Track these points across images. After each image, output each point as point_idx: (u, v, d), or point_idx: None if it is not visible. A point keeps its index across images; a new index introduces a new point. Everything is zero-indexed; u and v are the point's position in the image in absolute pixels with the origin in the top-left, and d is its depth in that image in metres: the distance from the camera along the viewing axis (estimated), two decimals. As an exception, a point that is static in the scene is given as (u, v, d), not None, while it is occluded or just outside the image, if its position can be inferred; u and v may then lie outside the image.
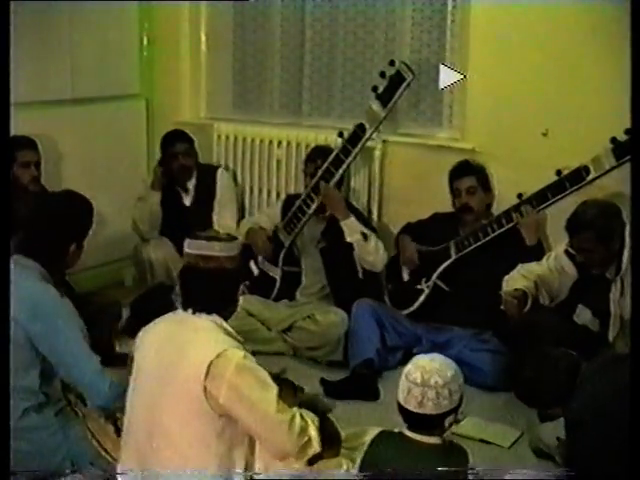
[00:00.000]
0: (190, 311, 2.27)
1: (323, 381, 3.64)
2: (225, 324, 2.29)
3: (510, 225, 3.65)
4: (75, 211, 2.82)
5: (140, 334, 2.36)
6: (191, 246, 2.29)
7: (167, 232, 4.54)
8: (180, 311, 2.30)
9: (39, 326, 2.58)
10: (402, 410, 2.27)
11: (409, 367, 2.28)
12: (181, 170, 4.51)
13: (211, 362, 2.12)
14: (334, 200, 3.98)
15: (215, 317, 2.27)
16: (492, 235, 3.69)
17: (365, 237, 3.92)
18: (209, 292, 2.27)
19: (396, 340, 3.89)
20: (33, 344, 2.59)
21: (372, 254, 3.96)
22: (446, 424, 2.25)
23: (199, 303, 2.27)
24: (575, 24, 3.77)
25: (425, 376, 2.21)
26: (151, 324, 2.36)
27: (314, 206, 4.02)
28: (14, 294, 2.37)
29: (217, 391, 2.12)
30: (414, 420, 2.25)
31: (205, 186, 4.57)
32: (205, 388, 2.12)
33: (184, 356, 2.17)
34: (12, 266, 2.48)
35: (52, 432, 2.66)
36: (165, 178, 4.51)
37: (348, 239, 3.95)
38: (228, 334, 2.25)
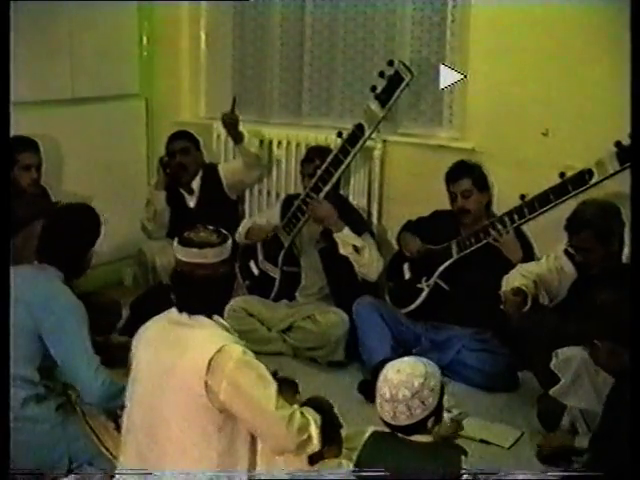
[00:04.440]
0: (185, 314, 2.25)
1: (363, 383, 3.59)
2: (222, 320, 2.29)
3: (513, 226, 3.64)
4: (89, 221, 2.97)
5: (138, 334, 2.36)
6: (182, 253, 2.24)
7: (172, 235, 4.51)
8: (175, 310, 2.29)
9: (51, 319, 2.66)
10: (381, 418, 2.24)
11: (379, 381, 2.23)
12: (179, 168, 4.46)
13: (212, 357, 2.12)
14: (325, 213, 3.96)
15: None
16: (493, 236, 3.69)
17: (357, 250, 3.92)
18: (204, 297, 2.25)
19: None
20: (40, 336, 2.66)
21: (365, 266, 3.95)
22: (429, 425, 2.21)
23: (194, 307, 2.25)
24: (575, 24, 3.77)
25: (393, 391, 2.17)
26: (149, 322, 2.36)
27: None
28: (32, 288, 2.65)
29: (217, 387, 2.13)
30: (393, 428, 2.23)
31: (210, 186, 4.53)
32: (206, 383, 2.12)
33: (184, 352, 2.17)
34: (33, 268, 2.77)
35: (52, 426, 2.69)
36: (167, 177, 4.49)
37: (341, 251, 3.95)
38: (226, 330, 2.26)
